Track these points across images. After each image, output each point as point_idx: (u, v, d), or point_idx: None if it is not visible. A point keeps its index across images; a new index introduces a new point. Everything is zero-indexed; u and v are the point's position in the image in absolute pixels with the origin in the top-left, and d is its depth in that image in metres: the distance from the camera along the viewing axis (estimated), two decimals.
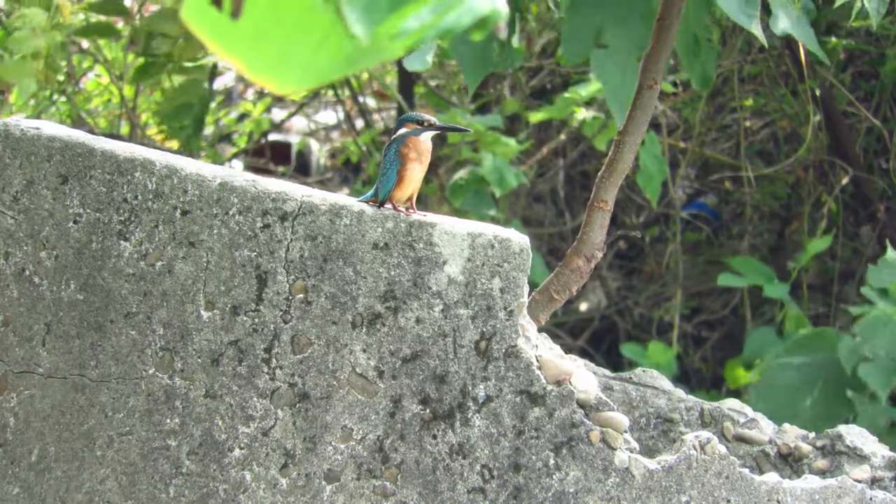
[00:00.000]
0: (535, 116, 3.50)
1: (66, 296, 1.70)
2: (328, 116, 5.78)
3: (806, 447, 1.90)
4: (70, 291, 1.70)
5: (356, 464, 1.67)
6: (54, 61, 3.18)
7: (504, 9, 0.83)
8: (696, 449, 1.67)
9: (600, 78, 2.24)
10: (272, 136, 5.23)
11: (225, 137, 4.91)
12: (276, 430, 1.67)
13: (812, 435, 1.94)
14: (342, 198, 1.71)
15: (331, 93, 4.77)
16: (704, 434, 1.69)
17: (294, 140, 5.57)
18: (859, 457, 1.85)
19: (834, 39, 3.86)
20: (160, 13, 3.44)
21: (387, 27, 0.81)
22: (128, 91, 3.98)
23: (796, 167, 4.18)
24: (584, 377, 1.68)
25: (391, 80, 4.75)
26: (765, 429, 1.96)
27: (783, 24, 1.90)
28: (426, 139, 1.76)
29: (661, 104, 4.13)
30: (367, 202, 1.72)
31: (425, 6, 0.81)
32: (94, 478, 1.70)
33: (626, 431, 1.67)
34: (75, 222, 1.70)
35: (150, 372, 1.69)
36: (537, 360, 1.66)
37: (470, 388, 1.66)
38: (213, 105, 4.46)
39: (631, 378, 2.02)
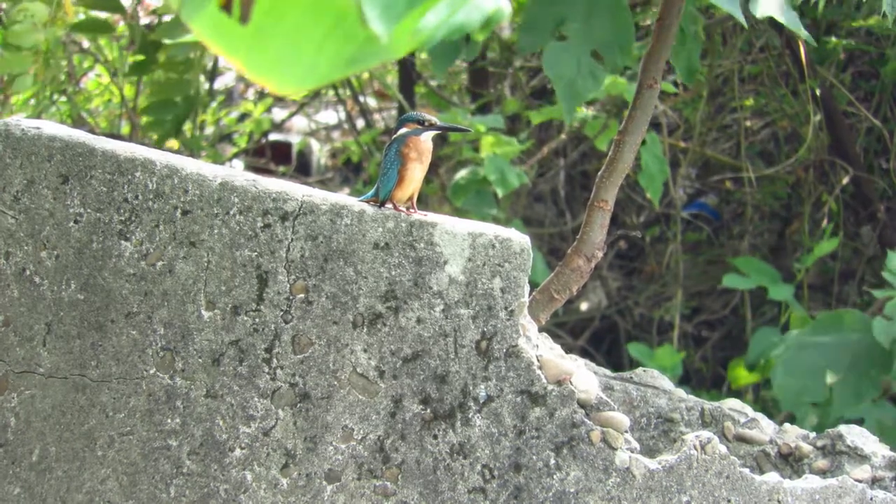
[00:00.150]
0: (536, 117, 3.49)
1: (67, 296, 1.70)
2: (329, 116, 5.79)
3: (806, 447, 1.90)
4: (71, 291, 1.70)
5: (357, 464, 1.67)
6: (53, 56, 3.17)
7: (507, 8, 0.83)
8: (696, 449, 1.67)
9: (551, 70, 2.20)
10: (273, 136, 5.24)
11: (226, 137, 4.91)
12: (276, 430, 1.67)
13: (812, 435, 1.94)
14: (343, 198, 1.71)
15: (332, 92, 4.78)
16: (705, 434, 1.69)
17: (295, 140, 5.57)
18: (860, 457, 1.85)
19: (834, 39, 3.86)
20: (171, 23, 3.42)
21: (406, 24, 0.81)
22: (128, 91, 3.98)
23: (797, 167, 4.18)
24: (585, 377, 1.68)
25: (392, 79, 4.75)
26: (765, 429, 1.96)
27: (764, 6, 1.85)
28: (427, 139, 1.75)
29: (661, 104, 4.13)
30: (367, 202, 1.71)
31: (441, 3, 0.82)
32: (94, 478, 1.70)
33: (626, 431, 1.67)
34: (76, 222, 1.70)
35: (151, 372, 1.69)
36: (538, 360, 1.66)
37: (471, 388, 1.66)
38: (213, 105, 4.46)
39: (631, 378, 2.02)
